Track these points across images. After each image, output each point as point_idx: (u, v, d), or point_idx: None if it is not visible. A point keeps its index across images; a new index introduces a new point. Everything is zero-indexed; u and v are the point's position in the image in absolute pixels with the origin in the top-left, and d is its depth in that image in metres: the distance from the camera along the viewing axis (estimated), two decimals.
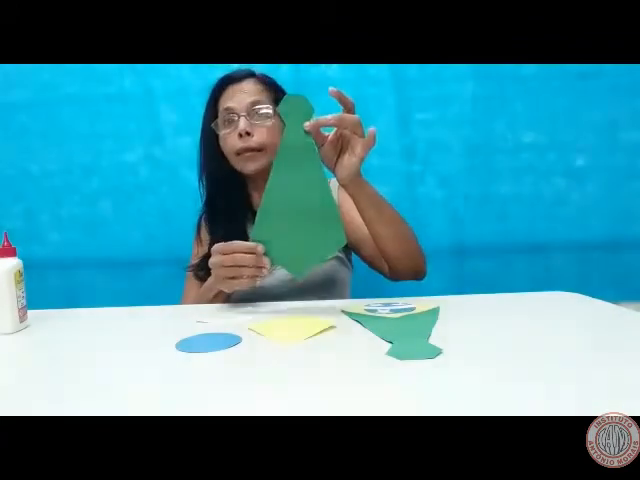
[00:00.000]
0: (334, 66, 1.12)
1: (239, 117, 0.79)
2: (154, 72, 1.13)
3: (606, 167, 1.12)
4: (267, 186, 0.62)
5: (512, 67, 1.10)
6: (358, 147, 0.62)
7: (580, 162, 1.12)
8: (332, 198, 0.62)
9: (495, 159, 1.13)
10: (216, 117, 0.83)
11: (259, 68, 0.86)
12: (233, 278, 0.63)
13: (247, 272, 0.62)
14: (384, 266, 0.78)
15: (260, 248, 0.61)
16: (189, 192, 1.11)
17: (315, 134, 0.61)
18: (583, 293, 0.67)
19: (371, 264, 0.83)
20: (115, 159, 1.16)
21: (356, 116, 0.61)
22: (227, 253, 0.63)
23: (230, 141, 0.81)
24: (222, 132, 0.82)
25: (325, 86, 0.61)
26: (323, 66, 1.12)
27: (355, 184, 0.66)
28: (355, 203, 0.69)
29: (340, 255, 0.85)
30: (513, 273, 1.14)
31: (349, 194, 0.68)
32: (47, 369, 0.44)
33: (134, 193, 1.17)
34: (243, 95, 0.80)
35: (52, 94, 1.14)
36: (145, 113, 1.14)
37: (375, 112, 1.11)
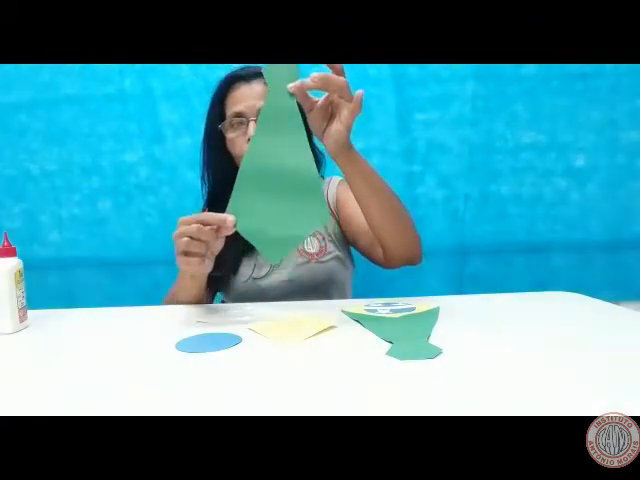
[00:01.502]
0: None
1: (249, 121, 0.77)
2: (154, 72, 1.12)
3: (606, 167, 1.12)
4: (246, 154, 0.58)
5: (512, 67, 1.10)
6: (344, 112, 0.59)
7: (580, 162, 1.12)
8: (315, 168, 0.58)
9: (495, 159, 1.13)
10: (222, 115, 0.81)
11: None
12: (188, 254, 0.57)
13: (197, 248, 0.57)
14: (379, 253, 0.76)
15: (230, 220, 0.56)
16: (189, 192, 1.11)
17: (302, 98, 0.58)
18: (583, 293, 0.67)
19: (367, 254, 0.82)
20: (115, 159, 1.16)
21: (343, 78, 0.57)
22: (190, 224, 0.57)
23: (239, 145, 0.79)
24: (230, 135, 0.80)
25: None
26: (323, 66, 1.12)
27: (344, 155, 0.63)
28: (346, 177, 0.66)
29: (340, 255, 0.84)
30: (513, 273, 1.14)
31: (339, 166, 0.65)
32: (47, 369, 0.44)
33: (134, 193, 1.17)
34: (253, 99, 0.78)
35: (52, 94, 1.14)
36: (145, 113, 1.14)
37: (375, 112, 1.11)
